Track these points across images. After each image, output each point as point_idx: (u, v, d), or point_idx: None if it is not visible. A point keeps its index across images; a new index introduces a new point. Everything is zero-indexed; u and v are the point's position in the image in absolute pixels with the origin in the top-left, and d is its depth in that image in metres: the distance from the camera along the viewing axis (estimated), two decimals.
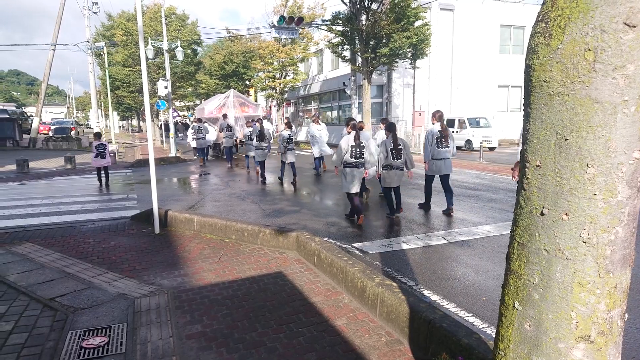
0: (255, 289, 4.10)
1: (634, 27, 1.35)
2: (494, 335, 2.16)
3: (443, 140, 7.28)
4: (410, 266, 4.80)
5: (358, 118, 20.87)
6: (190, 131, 18.42)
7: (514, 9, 24.03)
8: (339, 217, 7.20)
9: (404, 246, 5.49)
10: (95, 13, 25.79)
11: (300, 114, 33.55)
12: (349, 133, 6.79)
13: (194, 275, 4.51)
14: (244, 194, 9.62)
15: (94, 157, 11.14)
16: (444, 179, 7.36)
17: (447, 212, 7.23)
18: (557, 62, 1.47)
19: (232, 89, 22.43)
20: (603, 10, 1.36)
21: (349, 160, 6.60)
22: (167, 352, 2.99)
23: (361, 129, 7.35)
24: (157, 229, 6.17)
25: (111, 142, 22.67)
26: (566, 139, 1.47)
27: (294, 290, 4.08)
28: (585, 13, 1.40)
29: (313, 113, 29.15)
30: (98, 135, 12.01)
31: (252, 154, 12.53)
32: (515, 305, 1.69)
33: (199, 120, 17.99)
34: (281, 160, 11.40)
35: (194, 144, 17.43)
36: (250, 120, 13.99)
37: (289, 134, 10.98)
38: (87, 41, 24.89)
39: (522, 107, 1.67)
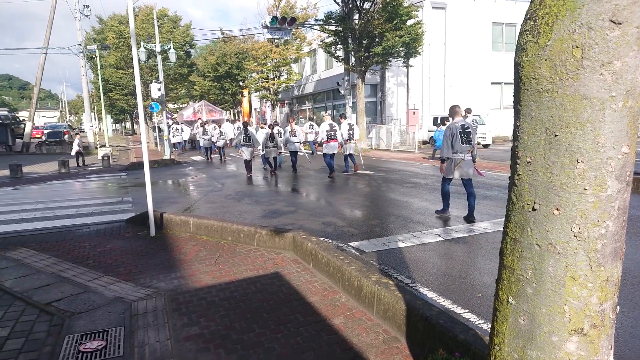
0: (253, 290, 4.11)
1: (620, 24, 1.37)
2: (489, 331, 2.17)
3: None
4: (406, 264, 4.82)
5: (353, 117, 20.95)
6: (172, 129, 23.43)
7: (506, 7, 24.15)
8: (335, 216, 7.22)
9: (400, 244, 5.51)
10: (86, 16, 25.68)
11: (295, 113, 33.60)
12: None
13: (191, 277, 4.51)
14: (239, 195, 9.61)
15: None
16: None
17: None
18: (545, 60, 1.49)
19: (203, 100, 32.26)
20: (590, 7, 1.38)
21: (242, 143, 12.32)
22: (165, 355, 2.99)
23: (245, 125, 13.25)
24: (152, 232, 6.16)
25: (105, 146, 22.63)
26: (556, 135, 1.49)
27: (291, 290, 4.09)
28: (572, 11, 1.42)
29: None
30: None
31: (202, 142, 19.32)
32: (509, 300, 1.71)
33: (177, 122, 25.18)
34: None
35: (173, 140, 22.65)
36: (203, 122, 20.89)
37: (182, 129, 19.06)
38: (79, 44, 24.78)
39: (513, 104, 1.69)
